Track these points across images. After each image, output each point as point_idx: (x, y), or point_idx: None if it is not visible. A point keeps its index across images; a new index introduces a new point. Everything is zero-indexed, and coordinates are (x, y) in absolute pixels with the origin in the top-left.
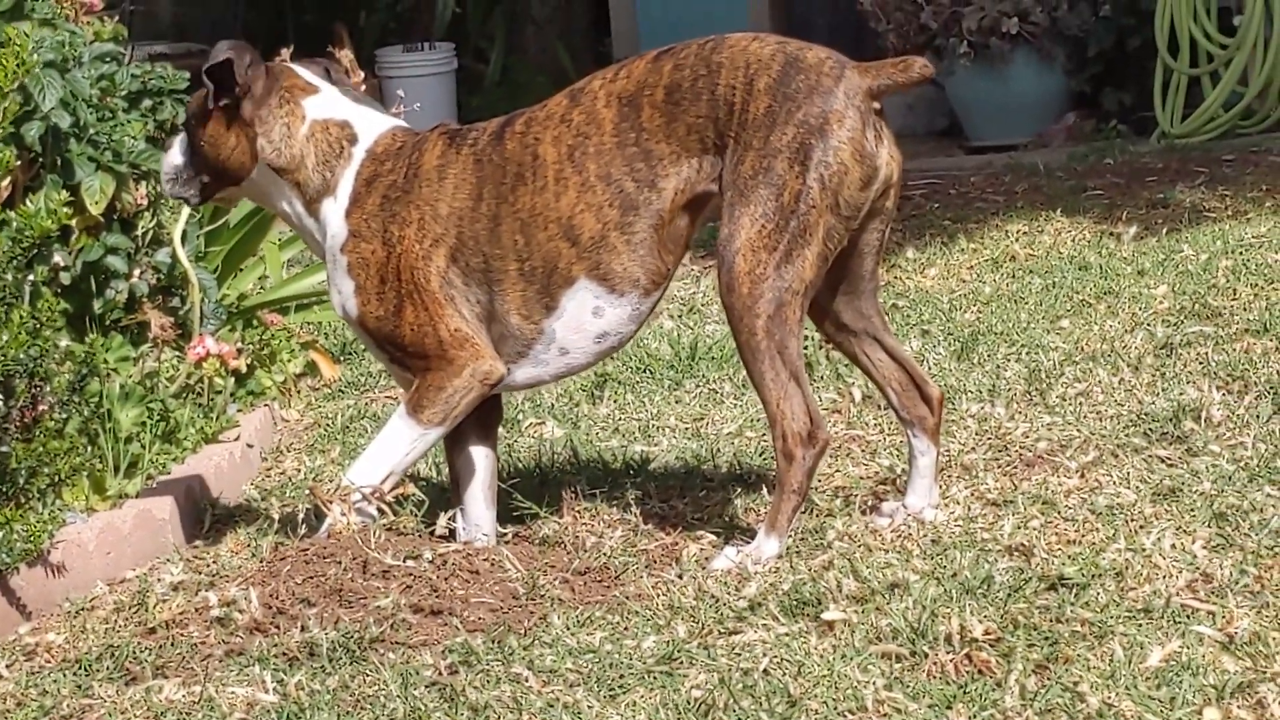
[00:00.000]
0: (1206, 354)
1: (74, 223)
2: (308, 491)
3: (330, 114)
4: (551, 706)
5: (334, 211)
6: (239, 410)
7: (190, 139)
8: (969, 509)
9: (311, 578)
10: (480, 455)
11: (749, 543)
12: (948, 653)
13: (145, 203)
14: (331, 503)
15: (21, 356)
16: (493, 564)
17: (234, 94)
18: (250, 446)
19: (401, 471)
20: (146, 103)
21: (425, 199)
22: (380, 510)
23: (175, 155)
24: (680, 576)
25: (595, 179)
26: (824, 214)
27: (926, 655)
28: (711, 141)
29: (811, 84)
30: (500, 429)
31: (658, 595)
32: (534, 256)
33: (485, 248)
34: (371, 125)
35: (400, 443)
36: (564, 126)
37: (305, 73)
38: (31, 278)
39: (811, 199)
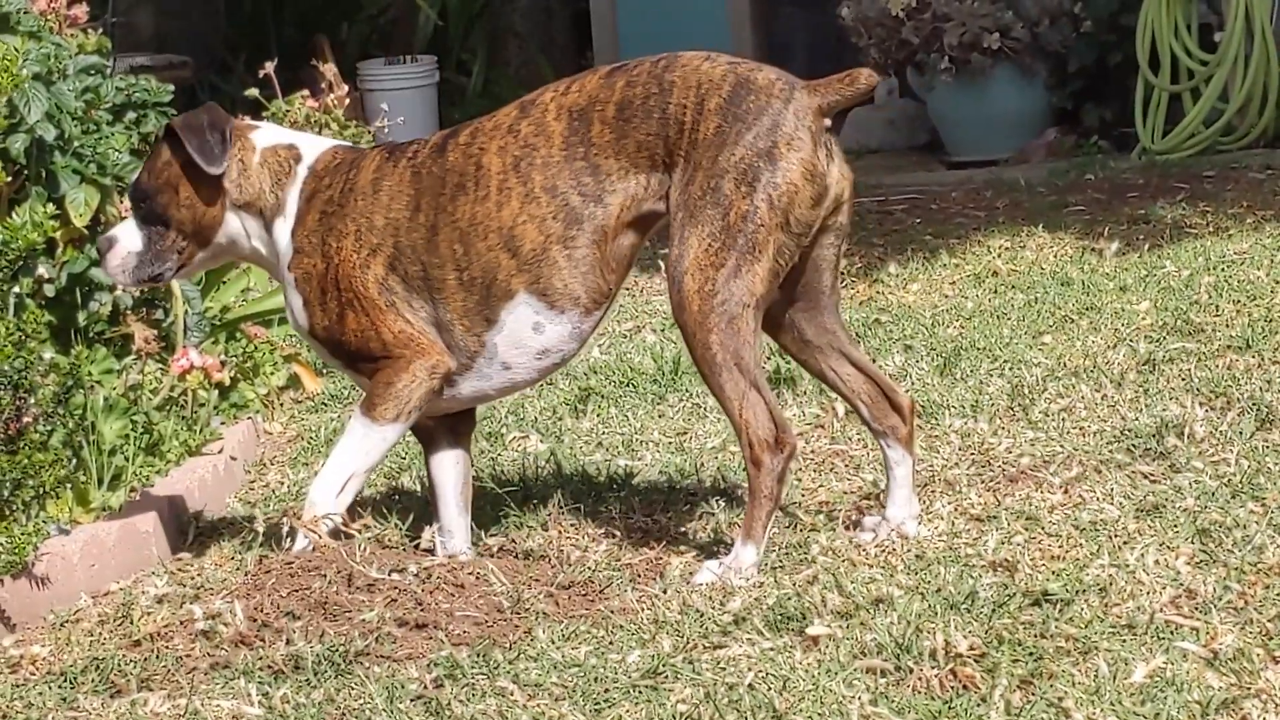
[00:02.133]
0: (1189, 370)
1: (59, 235)
2: (284, 517)
3: (277, 139)
4: None
5: (283, 230)
6: (222, 423)
7: (156, 211)
8: (953, 524)
9: (296, 591)
10: (452, 461)
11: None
12: (932, 668)
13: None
14: (311, 528)
15: (6, 368)
16: (477, 577)
17: (218, 159)
18: (234, 459)
19: (365, 473)
20: (130, 115)
21: (360, 212)
22: (344, 532)
23: (131, 239)
24: (665, 591)
25: (540, 190)
26: (774, 231)
27: (911, 670)
28: (660, 159)
29: (761, 105)
30: (484, 443)
31: (642, 609)
32: (473, 266)
33: (423, 256)
34: (314, 144)
35: (358, 444)
36: (511, 137)
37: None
38: (16, 290)
39: (760, 218)
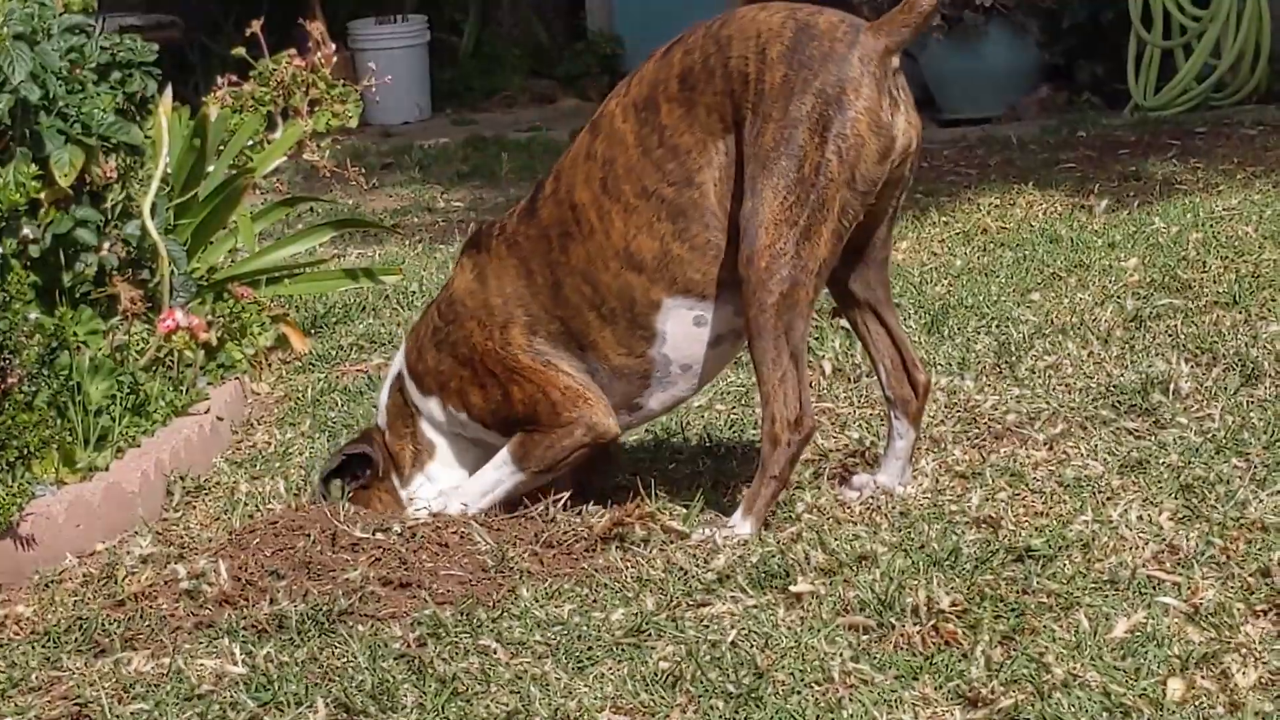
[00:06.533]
0: (1176, 326)
1: (43, 195)
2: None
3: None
4: (519, 678)
5: (430, 409)
6: (209, 383)
7: None
8: (937, 481)
9: (280, 550)
10: None
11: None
12: (914, 624)
13: (114, 175)
14: None
15: None
16: (462, 536)
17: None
18: (220, 419)
19: (493, 506)
20: (116, 75)
21: (472, 309)
22: None
23: None
24: (649, 549)
25: (634, 199)
26: (840, 189)
27: (893, 627)
28: (731, 118)
29: (825, 50)
30: None
31: (626, 568)
32: (609, 299)
33: (558, 313)
34: (398, 356)
35: (501, 488)
36: (590, 162)
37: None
38: (0, 251)
39: (830, 172)
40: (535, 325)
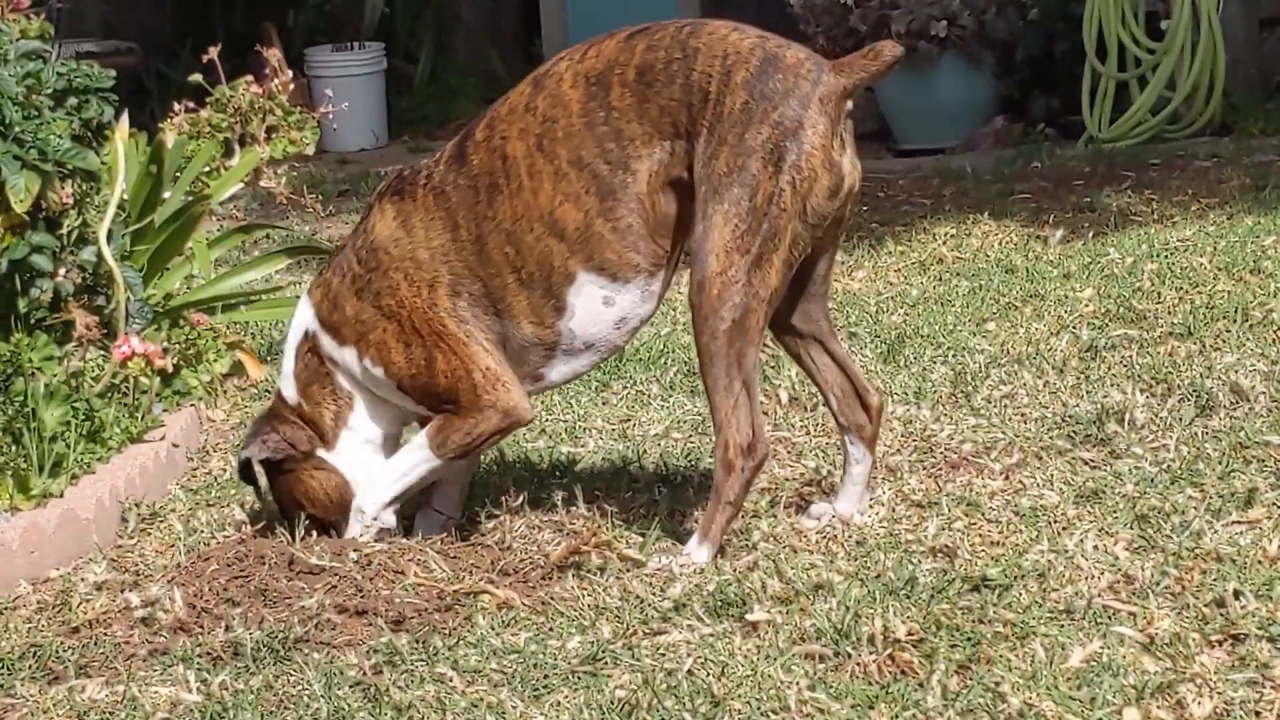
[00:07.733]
0: (1131, 357)
1: None
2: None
3: (294, 358)
4: (475, 706)
5: (346, 361)
6: (164, 410)
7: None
8: (893, 510)
9: (236, 577)
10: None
11: (680, 546)
12: (871, 653)
13: (70, 201)
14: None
15: None
16: (418, 564)
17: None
18: (176, 446)
19: (413, 492)
20: (72, 101)
21: (398, 258)
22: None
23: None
24: (605, 577)
25: (567, 165)
26: (792, 219)
27: (850, 656)
28: (684, 127)
29: (789, 85)
30: None
31: (583, 596)
32: (528, 262)
33: (479, 272)
34: (304, 304)
35: (417, 472)
36: (529, 116)
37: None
38: None
39: (783, 202)
40: (459, 284)
